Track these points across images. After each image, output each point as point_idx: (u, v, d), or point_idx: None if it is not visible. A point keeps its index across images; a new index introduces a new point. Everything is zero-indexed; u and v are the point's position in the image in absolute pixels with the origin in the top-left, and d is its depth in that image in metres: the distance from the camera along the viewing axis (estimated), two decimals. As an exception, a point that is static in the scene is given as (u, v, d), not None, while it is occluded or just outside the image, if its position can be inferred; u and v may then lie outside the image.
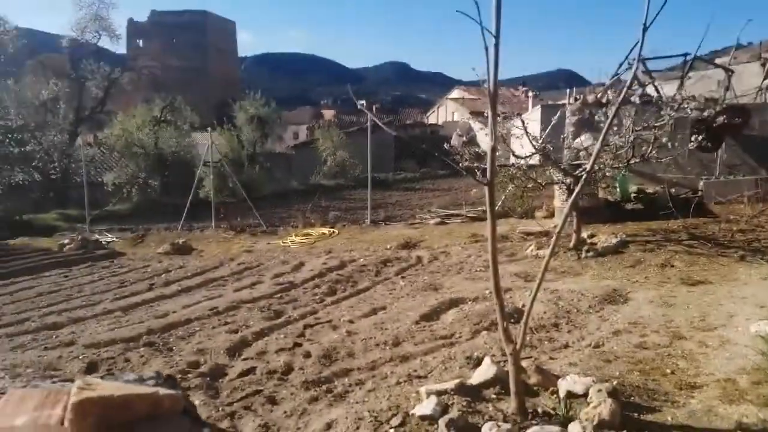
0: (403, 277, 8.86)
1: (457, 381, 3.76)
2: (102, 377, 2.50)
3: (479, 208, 14.53)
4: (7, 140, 23.82)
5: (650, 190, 12.31)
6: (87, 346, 6.09)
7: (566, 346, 5.05)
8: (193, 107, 29.40)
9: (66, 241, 15.27)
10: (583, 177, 4.05)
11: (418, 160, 35.57)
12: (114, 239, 16.19)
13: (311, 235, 14.38)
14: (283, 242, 13.95)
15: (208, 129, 19.14)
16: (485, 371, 3.96)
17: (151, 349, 5.90)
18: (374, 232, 14.14)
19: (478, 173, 7.44)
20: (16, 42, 23.15)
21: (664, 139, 8.68)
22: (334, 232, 14.56)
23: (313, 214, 16.83)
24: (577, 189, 3.83)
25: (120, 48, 29.67)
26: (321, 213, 17.19)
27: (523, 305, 5.94)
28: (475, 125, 39.10)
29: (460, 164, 8.26)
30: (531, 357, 4.72)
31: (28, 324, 7.73)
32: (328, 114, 59.18)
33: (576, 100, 13.07)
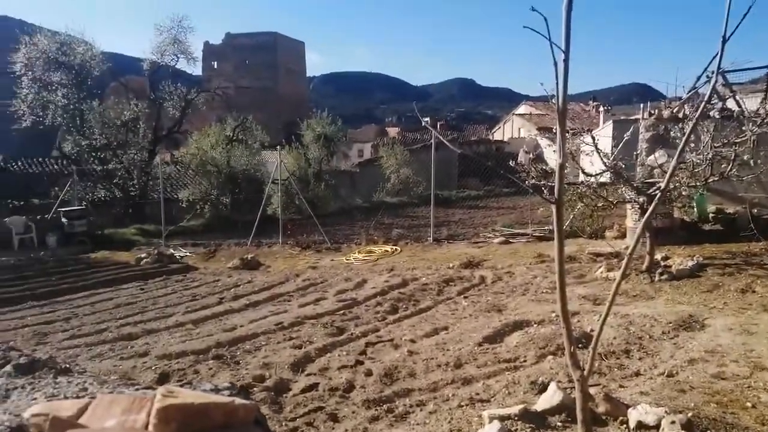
0: (465, 297, 8.75)
1: (521, 406, 3.65)
2: (182, 386, 2.60)
3: (545, 228, 14.19)
4: (92, 158, 25.47)
5: (730, 210, 11.64)
6: (159, 357, 6.35)
7: (637, 374, 4.82)
8: (264, 126, 30.40)
9: (143, 255, 16.04)
10: (658, 196, 3.88)
11: (482, 178, 35.21)
12: (187, 254, 16.87)
13: (374, 252, 14.47)
14: (346, 259, 14.12)
15: (278, 147, 19.76)
16: (551, 397, 3.83)
17: (219, 361, 6.08)
18: (437, 250, 14.07)
19: (545, 191, 7.29)
20: (102, 66, 24.83)
21: (745, 157, 8.22)
22: (396, 249, 14.59)
23: (376, 232, 16.95)
24: (650, 208, 3.68)
25: (196, 69, 31.17)
26: (384, 230, 17.30)
27: (592, 330, 5.73)
28: (542, 141, 38.35)
29: (527, 182, 8.11)
30: (599, 384, 4.53)
31: (106, 334, 8.16)
32: (393, 131, 59.74)
33: (650, 114, 12.57)
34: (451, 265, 11.51)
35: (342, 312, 8.14)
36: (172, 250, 16.95)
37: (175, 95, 26.43)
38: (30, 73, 23.45)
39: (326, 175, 30.94)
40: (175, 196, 25.99)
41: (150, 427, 1.27)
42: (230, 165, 26.83)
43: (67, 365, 2.41)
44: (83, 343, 7.69)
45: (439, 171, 17.45)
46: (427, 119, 64.20)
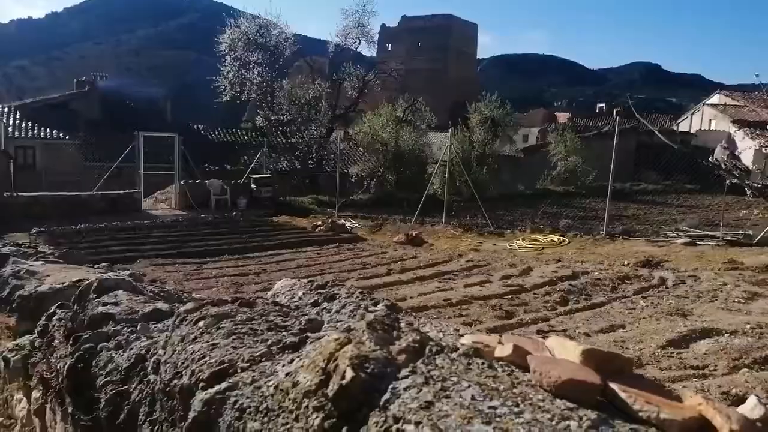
0: (643, 297, 8.27)
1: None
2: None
3: (739, 232, 12.76)
4: (278, 132, 27.95)
5: None
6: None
7: None
8: (431, 108, 30.92)
9: (318, 223, 17.36)
10: None
11: (662, 171, 32.39)
12: (356, 225, 17.93)
13: (539, 240, 14.17)
14: (509, 245, 14.01)
15: (449, 130, 20.02)
16: (750, 410, 3.56)
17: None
18: (609, 245, 13.37)
19: (748, 192, 6.62)
20: (293, 47, 27.04)
21: None
22: (563, 240, 14.13)
23: (541, 220, 16.53)
24: None
25: (371, 51, 32.51)
26: (550, 219, 16.81)
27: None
28: (738, 135, 34.15)
29: (728, 180, 7.40)
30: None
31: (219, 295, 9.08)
32: (562, 117, 57.08)
33: None
34: (626, 262, 10.90)
35: (510, 297, 8.17)
36: (343, 221, 18.12)
37: (354, 76, 27.89)
38: (232, 52, 26.26)
39: (489, 159, 30.66)
40: (346, 170, 27.65)
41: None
42: (398, 144, 27.80)
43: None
44: (274, 296, 8.64)
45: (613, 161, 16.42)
46: (603, 105, 60.28)
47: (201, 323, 1.03)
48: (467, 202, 21.41)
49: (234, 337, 0.97)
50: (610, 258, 11.53)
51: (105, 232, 14.04)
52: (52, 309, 1.87)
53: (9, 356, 2.16)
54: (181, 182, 20.11)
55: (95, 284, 1.62)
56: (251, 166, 23.97)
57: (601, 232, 14.55)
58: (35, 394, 1.88)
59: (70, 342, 1.61)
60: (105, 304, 1.48)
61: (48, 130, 25.85)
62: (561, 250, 13.11)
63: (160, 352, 1.11)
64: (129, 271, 2.83)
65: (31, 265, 2.98)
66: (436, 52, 56.73)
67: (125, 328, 1.34)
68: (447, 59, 57.86)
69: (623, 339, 6.03)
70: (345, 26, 27.64)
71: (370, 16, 27.95)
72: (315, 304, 1.17)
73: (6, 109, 26.80)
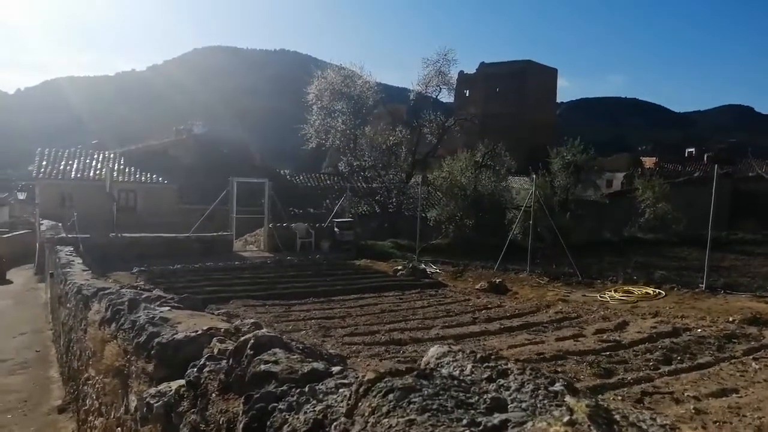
0: (755, 359, 7.63)
1: None
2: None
3: None
4: (360, 177, 28.64)
5: None
6: (432, 367, 6.85)
7: None
8: (510, 152, 30.73)
9: (399, 267, 17.44)
10: None
11: (760, 219, 30.29)
12: (437, 270, 17.84)
13: (632, 292, 13.49)
14: (600, 296, 13.42)
15: (532, 175, 19.75)
16: None
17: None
18: (710, 299, 12.51)
19: None
20: (376, 96, 27.94)
21: None
22: (659, 293, 13.38)
23: (633, 270, 15.78)
24: None
25: (449, 97, 32.96)
26: (642, 269, 16.01)
27: None
28: None
29: None
30: None
31: (378, 336, 9.09)
32: (648, 162, 54.90)
33: None
34: (731, 318, 10.15)
35: (607, 353, 7.78)
36: (423, 266, 18.09)
37: (434, 123, 28.31)
38: (319, 102, 27.46)
39: (572, 205, 29.86)
40: (424, 215, 27.79)
41: None
42: (477, 189, 27.70)
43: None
44: (361, 341, 8.69)
45: (706, 208, 15.52)
46: (692, 150, 57.58)
47: (390, 396, 1.06)
48: (549, 249, 20.82)
49: (428, 413, 0.99)
50: (712, 314, 10.77)
51: (200, 273, 14.75)
52: (203, 361, 1.98)
53: (152, 402, 2.30)
54: (270, 225, 20.89)
55: (252, 341, 1.71)
56: (334, 210, 24.58)
57: (700, 285, 13.66)
58: (181, 442, 1.98)
59: (228, 397, 1.70)
60: (266, 362, 1.56)
61: (148, 175, 27.84)
62: (657, 303, 12.40)
63: (343, 420, 1.15)
64: (252, 320, 2.95)
65: (161, 312, 3.18)
66: (515, 97, 56.62)
67: (293, 389, 1.40)
68: (526, 104, 57.57)
69: (738, 405, 5.56)
70: (426, 75, 28.33)
71: (450, 64, 28.51)
72: (490, 379, 1.17)
73: (112, 155, 29.14)
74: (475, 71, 61.55)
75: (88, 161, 27.91)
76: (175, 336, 2.59)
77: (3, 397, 8.83)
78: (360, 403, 1.11)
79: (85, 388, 6.16)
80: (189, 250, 17.60)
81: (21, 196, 47.25)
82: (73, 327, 7.65)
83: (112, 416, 3.80)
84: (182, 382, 2.20)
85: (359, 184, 29.17)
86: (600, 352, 7.81)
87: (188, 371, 2.04)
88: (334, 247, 21.31)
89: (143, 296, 3.85)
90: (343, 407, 1.18)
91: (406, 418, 0.99)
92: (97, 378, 4.91)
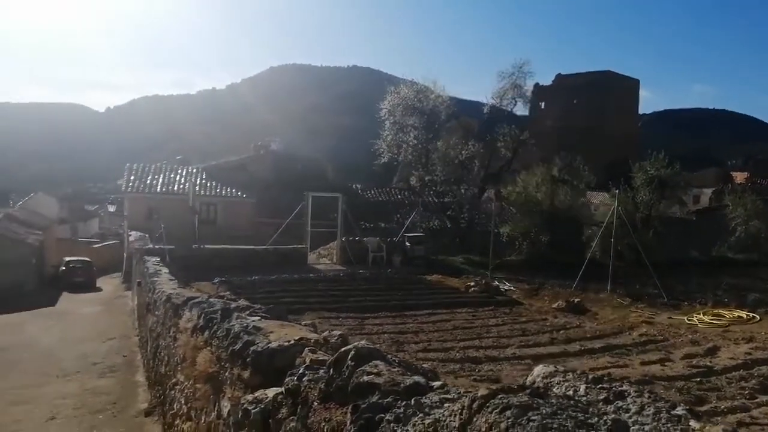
0: None
1: None
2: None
3: None
4: (432, 192, 28.61)
5: None
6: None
7: None
8: (588, 166, 29.77)
9: (471, 283, 17.21)
10: None
11: None
12: (511, 288, 17.49)
13: (723, 316, 12.68)
14: (688, 319, 12.71)
15: (615, 190, 19.05)
16: None
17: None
18: (813, 325, 11.56)
19: None
20: (448, 110, 27.94)
21: None
22: (753, 317, 12.50)
23: (724, 293, 14.83)
24: None
25: (523, 110, 32.40)
26: (734, 292, 15.00)
27: None
28: None
29: None
30: None
31: (453, 353, 9.00)
32: (739, 176, 51.68)
33: None
34: (838, 347, 9.32)
35: (697, 379, 7.34)
36: (497, 282, 17.78)
37: (508, 136, 27.90)
38: (391, 117, 27.73)
39: (656, 222, 28.49)
40: (497, 230, 27.33)
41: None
42: (553, 204, 26.98)
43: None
44: (435, 357, 8.63)
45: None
46: (789, 164, 53.58)
47: (507, 412, 1.06)
48: (631, 268, 19.93)
49: (550, 432, 0.98)
50: (817, 341, 9.94)
51: (277, 284, 15.18)
52: (301, 370, 2.04)
53: (249, 408, 2.39)
54: (342, 239, 21.23)
55: (352, 352, 1.75)
56: (405, 224, 24.66)
57: (802, 310, 12.66)
58: (279, 448, 2.04)
59: (330, 406, 1.74)
60: (369, 373, 1.59)
61: (228, 189, 29.05)
62: (751, 328, 11.60)
63: (456, 434, 1.16)
64: (339, 332, 3.02)
65: (253, 321, 3.31)
66: (594, 110, 54.86)
67: (398, 401, 1.42)
68: (605, 116, 55.68)
69: None
70: (501, 88, 28.03)
71: (526, 77, 28.10)
72: (607, 401, 1.15)
73: (194, 170, 30.65)
74: (551, 83, 60.25)
75: (172, 176, 29.47)
76: (269, 345, 2.68)
77: (95, 399, 9.42)
78: (475, 419, 1.11)
79: (173, 392, 6.46)
80: (266, 262, 18.15)
81: (111, 208, 50.63)
82: (161, 334, 8.06)
83: (202, 421, 3.97)
84: (279, 389, 2.27)
85: (430, 198, 29.15)
86: (689, 378, 7.38)
87: (287, 379, 2.11)
88: (405, 261, 21.34)
89: (233, 305, 4.02)
90: (454, 422, 1.19)
91: (527, 435, 0.98)
92: (186, 383, 5.14)
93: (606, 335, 10.70)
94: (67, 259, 31.54)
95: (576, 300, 14.45)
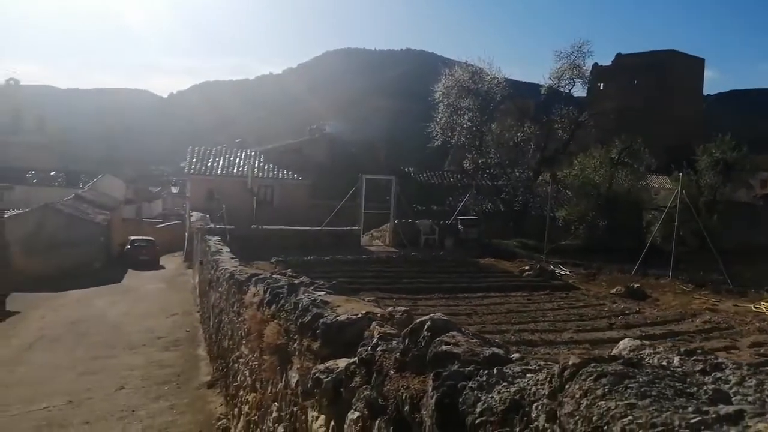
0: None
1: None
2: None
3: None
4: (486, 174, 28.26)
5: None
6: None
7: None
8: (649, 149, 28.70)
9: (526, 267, 16.98)
10: None
11: None
12: (567, 272, 17.15)
13: (796, 305, 12.05)
14: (755, 307, 12.15)
15: (677, 174, 18.33)
16: None
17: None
18: None
19: None
20: (504, 92, 27.42)
21: None
22: (829, 306, 11.83)
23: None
24: None
25: (581, 91, 31.35)
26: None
27: None
28: None
29: None
30: None
31: (508, 336, 8.92)
32: (814, 160, 48.41)
33: None
34: None
35: (766, 368, 7.01)
36: (552, 267, 17.48)
37: (566, 118, 27.17)
38: (445, 100, 27.44)
39: (720, 206, 27.28)
40: (552, 214, 26.78)
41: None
42: (611, 188, 26.18)
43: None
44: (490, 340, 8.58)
45: None
46: None
47: (603, 380, 1.05)
48: (694, 254, 19.18)
49: (649, 399, 0.97)
50: None
51: (331, 264, 15.43)
52: (374, 340, 2.09)
53: (321, 378, 2.46)
54: (395, 221, 21.32)
55: (428, 323, 1.78)
56: (458, 207, 24.50)
57: None
58: (352, 415, 2.10)
59: (406, 375, 1.77)
60: (447, 343, 1.61)
61: (284, 172, 29.61)
62: (826, 318, 10.99)
63: (546, 401, 1.16)
64: (404, 308, 3.05)
65: (319, 295, 3.39)
66: (655, 90, 52.64)
67: (480, 370, 1.43)
68: (667, 97, 53.34)
69: None
70: (558, 68, 27.21)
71: (585, 57, 27.19)
72: (704, 372, 1.13)
73: (252, 153, 31.36)
74: (610, 63, 58.13)
75: (231, 159, 30.27)
76: (338, 318, 2.75)
77: (161, 371, 9.89)
78: (567, 386, 1.11)
79: (236, 365, 6.71)
80: (320, 243, 18.46)
81: (174, 189, 52.56)
82: (224, 309, 8.35)
83: (268, 391, 4.12)
84: (350, 360, 2.33)
85: (484, 181, 28.79)
86: (758, 366, 7.06)
87: (360, 350, 2.16)
88: (458, 244, 21.25)
89: (297, 281, 4.13)
90: (543, 389, 1.20)
91: (626, 401, 0.98)
92: (251, 356, 5.33)
93: (668, 321, 10.37)
94: (133, 238, 33.03)
95: (635, 285, 14.04)
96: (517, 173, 27.52)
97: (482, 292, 13.65)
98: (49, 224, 27.21)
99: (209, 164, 29.28)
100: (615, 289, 14.01)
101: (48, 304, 18.18)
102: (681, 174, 18.80)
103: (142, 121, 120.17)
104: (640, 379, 1.04)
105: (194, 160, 29.33)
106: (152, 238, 33.72)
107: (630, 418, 0.94)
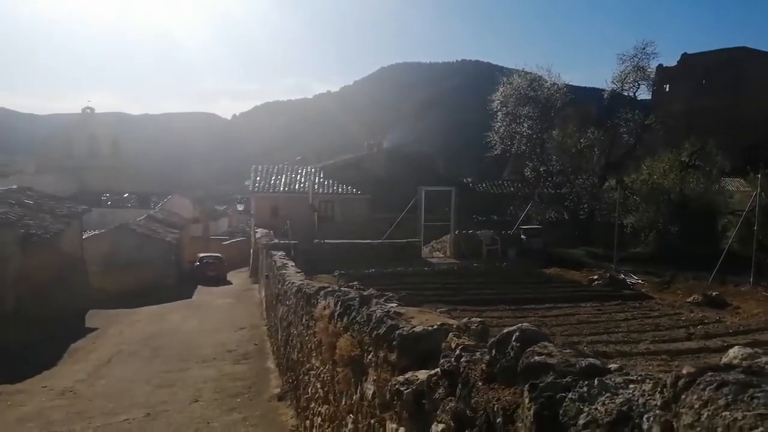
0: None
1: None
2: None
3: None
4: (547, 182, 27.64)
5: None
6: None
7: None
8: (722, 151, 27.31)
9: (595, 276, 16.44)
10: None
11: None
12: (638, 281, 16.48)
13: None
14: None
15: (755, 175, 17.32)
16: None
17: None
18: None
19: None
20: (565, 98, 26.82)
21: None
22: None
23: None
24: None
25: (644, 94, 30.18)
26: None
27: None
28: None
29: None
30: None
31: (580, 348, 8.60)
32: None
33: None
34: None
35: None
36: (622, 276, 16.83)
37: (631, 122, 26.27)
38: (504, 108, 27.11)
39: (804, 209, 25.52)
40: (620, 221, 25.81)
41: None
42: (682, 192, 25.03)
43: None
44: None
45: None
46: None
47: (725, 389, 0.99)
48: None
49: (782, 410, 0.91)
50: None
51: (393, 277, 15.45)
52: (458, 351, 2.06)
53: (402, 389, 2.45)
54: (455, 232, 21.16)
55: (516, 333, 1.73)
56: (521, 217, 24.04)
57: None
58: (437, 428, 2.07)
59: (494, 386, 1.74)
60: (540, 354, 1.57)
61: (344, 187, 30.02)
62: None
63: (659, 412, 1.11)
64: (480, 319, 3.00)
65: (392, 307, 3.39)
66: (726, 90, 50.03)
67: (579, 381, 1.38)
68: (740, 96, 50.61)
69: None
70: (622, 71, 26.35)
71: (650, 58, 26.23)
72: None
73: (312, 170, 31.97)
74: (676, 63, 55.79)
75: (293, 176, 30.96)
76: (413, 329, 2.73)
77: (232, 384, 10.13)
78: (683, 396, 1.05)
79: (306, 377, 6.78)
80: (381, 256, 18.54)
81: (240, 207, 54.25)
82: (292, 322, 8.48)
83: (342, 403, 4.14)
84: (430, 371, 2.31)
85: (546, 189, 28.16)
86: None
87: (442, 361, 2.14)
88: (521, 254, 20.83)
89: (366, 293, 4.14)
90: (654, 400, 1.14)
91: (755, 412, 0.92)
92: (322, 368, 5.38)
93: (751, 330, 9.76)
94: (201, 255, 34.24)
95: (714, 293, 13.30)
96: (581, 180, 26.77)
97: (549, 302, 13.31)
98: (124, 244, 28.57)
99: (272, 182, 30.03)
100: (691, 298, 13.33)
101: (124, 320, 18.98)
102: (758, 175, 17.70)
103: (208, 142, 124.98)
104: (766, 389, 0.98)
105: (257, 178, 30.18)
106: (220, 255, 34.82)
107: (761, 429, 0.88)
